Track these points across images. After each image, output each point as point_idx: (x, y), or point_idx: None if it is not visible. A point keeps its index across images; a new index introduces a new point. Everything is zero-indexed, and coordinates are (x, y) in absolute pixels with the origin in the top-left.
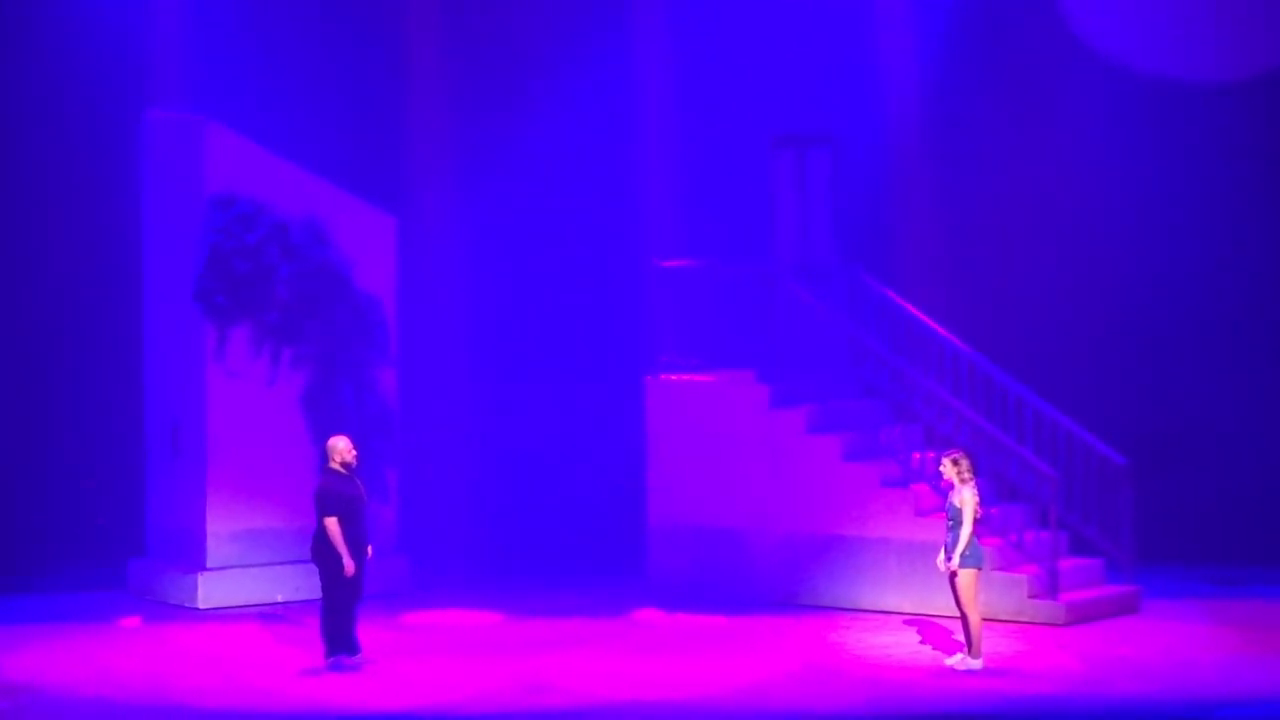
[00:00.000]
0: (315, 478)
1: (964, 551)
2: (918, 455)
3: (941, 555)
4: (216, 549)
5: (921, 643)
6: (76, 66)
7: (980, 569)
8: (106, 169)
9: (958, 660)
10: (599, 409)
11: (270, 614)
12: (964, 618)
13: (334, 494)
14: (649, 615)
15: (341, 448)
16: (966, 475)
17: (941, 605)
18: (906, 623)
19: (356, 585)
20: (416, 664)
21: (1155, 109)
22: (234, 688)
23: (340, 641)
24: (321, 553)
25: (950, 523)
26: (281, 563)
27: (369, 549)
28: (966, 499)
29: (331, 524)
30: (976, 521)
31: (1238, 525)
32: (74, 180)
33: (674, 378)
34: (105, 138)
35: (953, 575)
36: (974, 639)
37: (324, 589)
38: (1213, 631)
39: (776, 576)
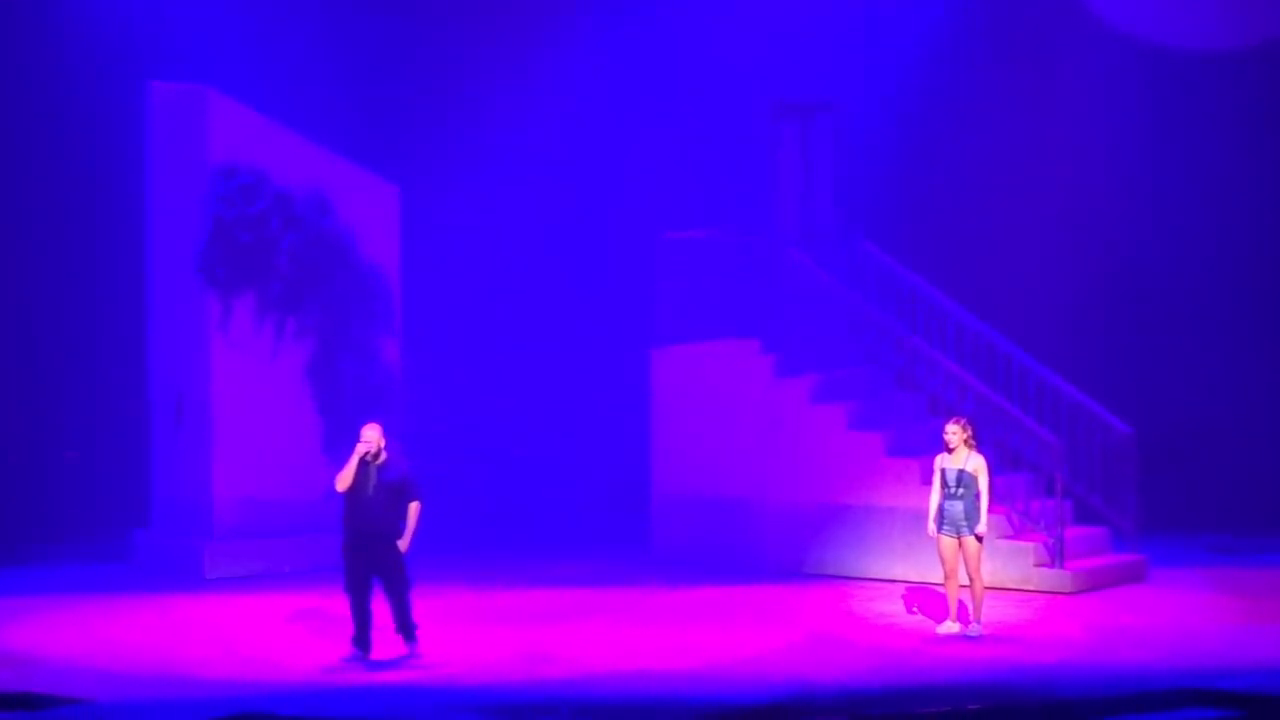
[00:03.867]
0: (325, 450)
1: (975, 517)
2: (923, 424)
3: (932, 524)
4: (222, 519)
5: (927, 611)
6: (81, 38)
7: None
8: (111, 140)
9: (951, 628)
10: (603, 379)
11: (276, 584)
12: (971, 583)
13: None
14: (653, 585)
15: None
16: (972, 441)
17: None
18: (912, 591)
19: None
20: (420, 634)
21: (1164, 75)
22: (239, 658)
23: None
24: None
25: (960, 489)
26: (287, 533)
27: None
28: (981, 464)
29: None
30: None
31: (1244, 493)
32: (79, 152)
33: (678, 348)
34: (110, 109)
35: (944, 539)
36: (978, 604)
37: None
38: (1219, 600)
39: (781, 546)
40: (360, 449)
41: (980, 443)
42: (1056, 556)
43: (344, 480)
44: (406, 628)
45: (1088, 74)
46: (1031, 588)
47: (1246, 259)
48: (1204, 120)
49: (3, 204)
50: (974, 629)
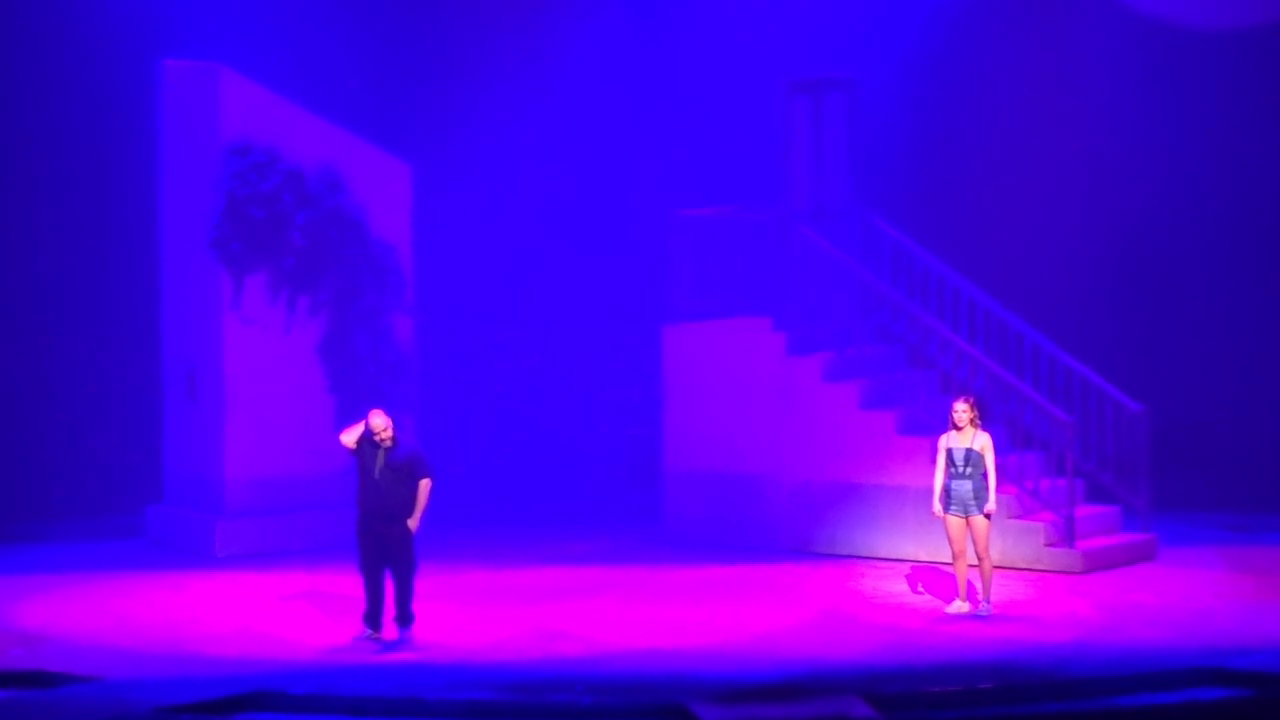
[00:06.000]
0: (338, 427)
1: (983, 496)
2: (935, 402)
3: (937, 503)
4: (234, 495)
5: (937, 590)
6: (94, 15)
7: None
8: (124, 118)
9: (961, 607)
10: (615, 356)
11: (288, 561)
12: (980, 562)
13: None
14: (665, 563)
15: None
16: (978, 419)
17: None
18: (922, 570)
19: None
20: (433, 612)
21: (1181, 52)
22: (250, 635)
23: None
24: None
25: (969, 468)
26: (299, 510)
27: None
28: (988, 442)
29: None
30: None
31: (1255, 471)
32: (92, 129)
33: (691, 325)
34: (123, 86)
35: (952, 519)
36: (987, 583)
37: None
38: (1229, 578)
39: (793, 524)
40: (362, 425)
41: (992, 421)
42: (1067, 535)
43: (349, 436)
44: (404, 614)
45: (1104, 50)
46: (1042, 567)
47: (1262, 240)
48: (1220, 97)
49: (16, 181)
50: (984, 608)
